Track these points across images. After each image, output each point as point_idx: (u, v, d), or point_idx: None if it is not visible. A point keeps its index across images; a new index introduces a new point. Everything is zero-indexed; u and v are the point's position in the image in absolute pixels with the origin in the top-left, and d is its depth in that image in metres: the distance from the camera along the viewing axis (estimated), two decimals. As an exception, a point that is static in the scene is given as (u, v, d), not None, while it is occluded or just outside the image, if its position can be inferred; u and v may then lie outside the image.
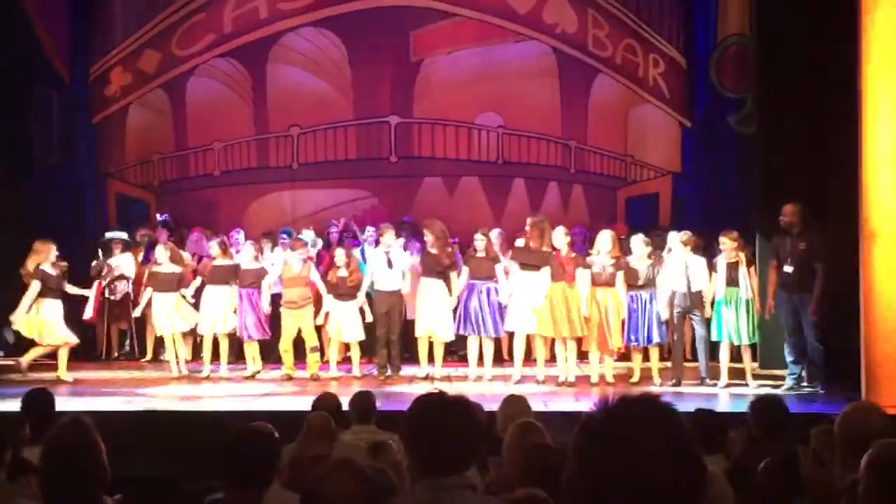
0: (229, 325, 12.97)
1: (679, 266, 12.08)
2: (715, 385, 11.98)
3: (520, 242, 12.71)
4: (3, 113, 14.66)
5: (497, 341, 13.05)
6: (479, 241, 12.66)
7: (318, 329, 13.11)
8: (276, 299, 13.10)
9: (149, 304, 13.26)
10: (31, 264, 12.74)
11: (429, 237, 12.68)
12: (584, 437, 2.09)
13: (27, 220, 14.05)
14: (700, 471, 2.09)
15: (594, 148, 15.89)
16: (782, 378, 12.00)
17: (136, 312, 13.78)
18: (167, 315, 12.98)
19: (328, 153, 16.13)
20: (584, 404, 10.70)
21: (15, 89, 14.88)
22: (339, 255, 12.99)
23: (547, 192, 15.89)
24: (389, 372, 12.85)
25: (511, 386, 12.05)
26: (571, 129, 15.87)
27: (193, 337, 13.70)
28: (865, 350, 10.42)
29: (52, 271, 12.81)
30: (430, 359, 12.86)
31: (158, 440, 9.35)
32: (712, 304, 12.10)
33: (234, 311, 12.92)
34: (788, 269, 11.65)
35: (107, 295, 14.34)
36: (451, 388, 11.63)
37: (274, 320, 13.19)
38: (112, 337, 14.71)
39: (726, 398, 11.39)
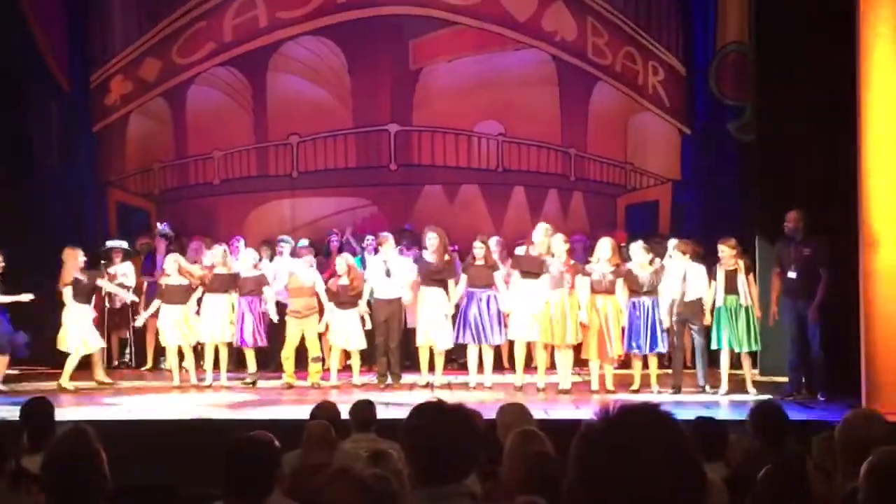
0: (229, 334, 12.98)
1: (678, 274, 12.09)
2: (715, 393, 11.98)
3: (520, 250, 12.72)
4: (2, 120, 14.68)
5: (497, 349, 13.07)
6: (478, 249, 12.66)
7: (319, 337, 13.11)
8: (280, 307, 13.12)
9: (154, 313, 13.28)
10: (66, 275, 12.83)
11: (432, 242, 12.67)
12: (584, 446, 2.09)
13: (28, 229, 14.05)
14: (700, 479, 2.10)
15: (594, 156, 15.89)
16: (783, 385, 12.01)
17: (140, 322, 13.77)
18: (175, 326, 12.98)
19: (328, 161, 16.13)
20: (585, 412, 10.71)
21: (14, 96, 14.89)
22: (340, 263, 12.99)
23: (547, 200, 15.88)
24: (389, 380, 12.85)
25: (512, 393, 12.06)
26: (571, 137, 15.87)
27: (194, 345, 13.68)
28: (866, 357, 10.42)
29: (82, 277, 12.86)
30: (431, 367, 12.86)
31: (159, 449, 9.35)
32: (712, 311, 12.11)
33: (232, 322, 12.95)
34: (792, 275, 11.67)
35: (106, 304, 14.35)
36: (452, 396, 11.65)
37: (277, 328, 13.21)
38: (112, 345, 14.71)
39: (726, 406, 11.38)
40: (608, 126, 15.84)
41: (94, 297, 13.22)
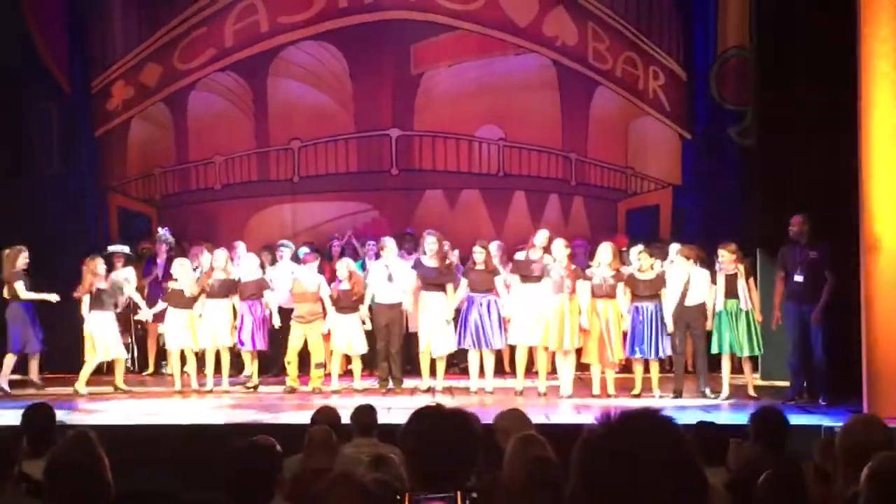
0: (230, 339, 12.99)
1: (681, 279, 12.10)
2: (716, 397, 11.98)
3: (520, 255, 12.73)
4: (3, 124, 14.70)
5: (498, 353, 13.07)
6: (478, 253, 12.66)
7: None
8: (283, 312, 13.13)
9: (160, 317, 13.28)
10: (86, 283, 12.88)
11: (431, 247, 12.67)
12: (586, 452, 2.10)
13: (29, 233, 14.05)
14: (701, 484, 2.11)
15: (594, 160, 15.91)
16: (784, 389, 12.01)
17: (142, 315, 13.68)
18: (181, 331, 12.98)
19: (329, 166, 16.14)
20: (586, 417, 10.71)
21: (15, 101, 14.89)
22: (341, 268, 12.99)
23: (547, 205, 15.90)
24: (391, 385, 12.85)
25: (514, 398, 12.07)
26: (572, 142, 15.88)
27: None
28: (867, 361, 10.42)
29: (101, 284, 12.88)
30: (433, 372, 12.87)
31: (161, 454, 9.35)
32: (712, 316, 12.11)
33: (235, 326, 12.98)
34: (798, 278, 11.66)
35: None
36: (454, 401, 11.65)
37: (278, 333, 13.22)
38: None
39: (727, 410, 11.38)
40: (609, 131, 15.85)
41: (114, 304, 13.20)
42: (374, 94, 15.94)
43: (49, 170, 15.42)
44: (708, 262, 12.44)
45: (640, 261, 12.32)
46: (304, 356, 13.01)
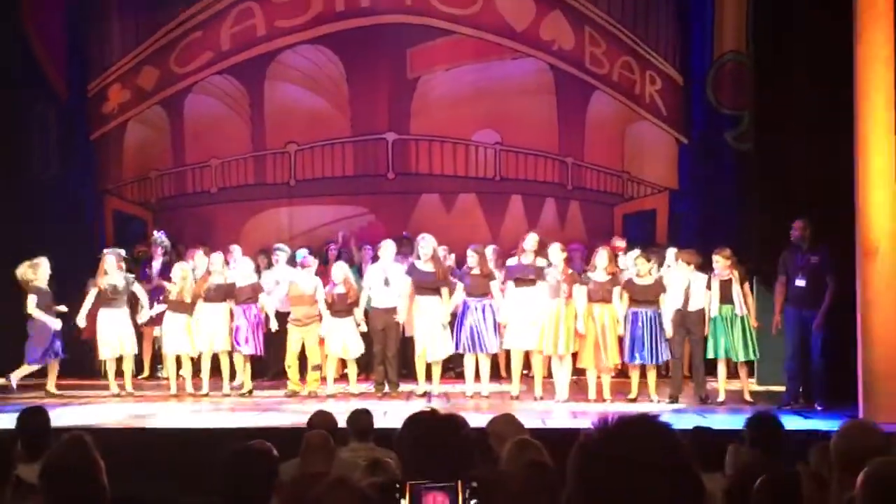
0: (227, 343, 12.98)
1: (681, 284, 12.10)
2: (713, 402, 11.99)
3: (512, 261, 12.72)
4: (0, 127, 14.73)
5: (494, 358, 13.07)
6: (472, 258, 12.66)
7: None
8: (280, 316, 13.12)
9: (157, 320, 13.27)
10: (100, 279, 12.99)
11: (425, 251, 12.67)
12: (582, 457, 2.10)
13: (24, 236, 14.05)
14: (698, 489, 2.11)
15: (591, 164, 15.91)
16: (780, 394, 12.02)
17: (143, 318, 13.67)
18: (178, 335, 12.98)
19: (325, 170, 16.13)
20: (582, 421, 10.72)
21: (11, 103, 14.88)
22: (337, 272, 12.98)
23: (544, 209, 15.90)
24: (387, 389, 12.85)
25: (509, 402, 12.08)
26: (568, 146, 15.89)
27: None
28: (864, 366, 10.43)
29: (111, 281, 12.92)
30: (429, 376, 12.87)
31: (157, 458, 9.34)
32: (708, 321, 12.12)
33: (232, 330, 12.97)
34: (800, 283, 11.66)
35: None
36: (449, 406, 11.66)
37: (274, 337, 13.20)
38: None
39: (724, 415, 11.38)
40: (605, 135, 15.86)
41: (127, 301, 13.20)
42: (370, 97, 15.95)
43: (45, 173, 15.40)
44: (705, 266, 12.44)
45: (637, 265, 12.32)
46: (301, 360, 12.99)
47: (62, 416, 10.32)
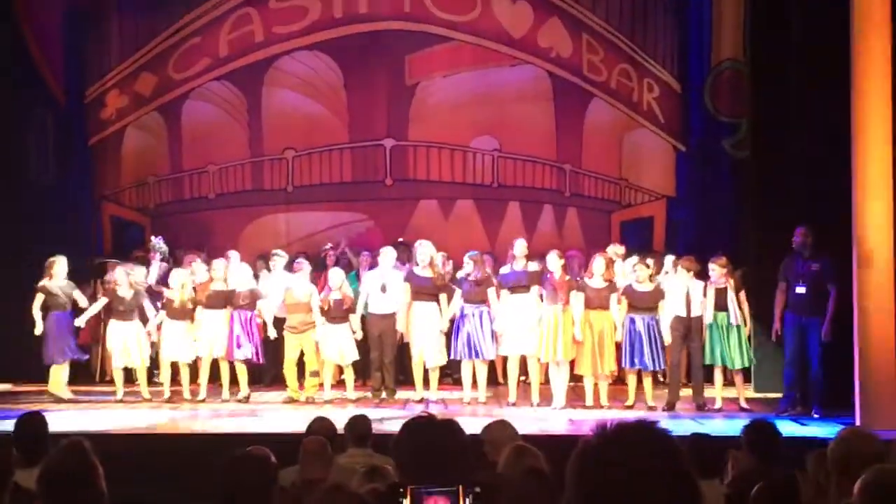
0: (227, 349, 12.97)
1: (680, 291, 12.10)
2: (710, 409, 11.99)
3: (505, 269, 12.71)
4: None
5: (491, 364, 13.06)
6: (468, 264, 12.66)
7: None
8: (277, 322, 13.12)
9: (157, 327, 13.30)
10: (109, 290, 13.10)
11: (423, 258, 12.67)
12: (581, 463, 2.11)
13: (22, 242, 14.07)
14: (695, 495, 2.11)
15: (589, 171, 15.93)
16: (777, 402, 12.02)
17: (148, 327, 13.68)
18: (175, 342, 12.97)
19: (323, 176, 16.14)
20: (579, 427, 10.73)
21: (9, 108, 14.88)
22: (334, 277, 12.97)
23: (541, 216, 15.92)
24: (384, 395, 12.85)
25: (506, 408, 12.08)
26: (566, 153, 15.90)
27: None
28: (861, 374, 10.44)
29: (123, 293, 12.91)
30: (426, 382, 12.87)
31: (155, 463, 9.34)
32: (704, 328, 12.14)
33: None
34: (801, 290, 11.64)
35: (102, 317, 14.31)
36: (446, 412, 11.65)
37: (271, 343, 13.19)
38: (106, 359, 14.68)
39: (720, 422, 11.39)
40: (603, 142, 15.88)
41: (136, 313, 13.22)
42: (368, 104, 15.96)
43: (43, 177, 15.39)
44: (702, 274, 12.45)
45: (636, 272, 12.32)
46: (298, 365, 12.98)
47: (59, 421, 10.31)
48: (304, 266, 13.20)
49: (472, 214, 15.96)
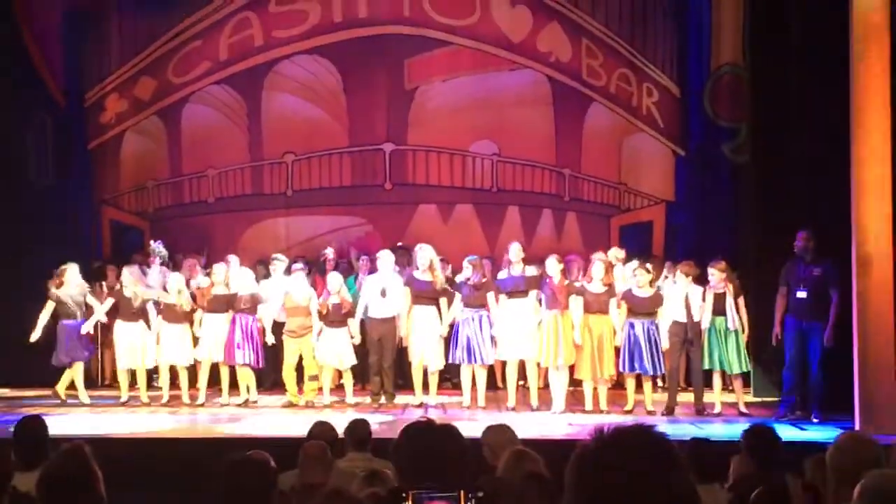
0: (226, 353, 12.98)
1: (680, 295, 12.11)
2: (709, 414, 12.00)
3: (502, 274, 12.70)
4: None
5: (490, 368, 13.06)
6: (467, 269, 12.66)
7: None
8: (276, 326, 13.12)
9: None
10: (116, 292, 13.18)
11: (423, 262, 12.68)
12: (579, 467, 2.12)
13: (21, 246, 14.07)
14: (693, 499, 2.12)
15: (588, 176, 15.93)
16: (776, 406, 12.02)
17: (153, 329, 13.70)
18: (173, 346, 12.98)
19: (323, 180, 16.14)
20: (578, 432, 10.72)
21: (9, 112, 14.89)
22: (332, 282, 12.96)
23: (541, 220, 15.91)
24: (383, 399, 12.84)
25: (506, 413, 12.08)
26: (565, 157, 15.90)
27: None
28: (860, 378, 10.44)
29: (129, 294, 12.96)
30: (425, 386, 12.87)
31: (155, 468, 9.34)
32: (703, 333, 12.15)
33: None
34: (802, 294, 11.62)
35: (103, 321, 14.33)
36: (446, 416, 11.66)
37: (274, 347, 13.19)
38: (105, 363, 14.70)
39: (720, 427, 11.39)
40: (602, 147, 15.88)
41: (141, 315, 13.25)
42: (368, 108, 15.96)
43: (43, 180, 15.40)
44: (701, 278, 12.46)
45: (636, 277, 12.32)
46: (298, 370, 12.98)
47: (59, 425, 10.30)
48: (298, 270, 13.21)
49: (472, 219, 15.96)
